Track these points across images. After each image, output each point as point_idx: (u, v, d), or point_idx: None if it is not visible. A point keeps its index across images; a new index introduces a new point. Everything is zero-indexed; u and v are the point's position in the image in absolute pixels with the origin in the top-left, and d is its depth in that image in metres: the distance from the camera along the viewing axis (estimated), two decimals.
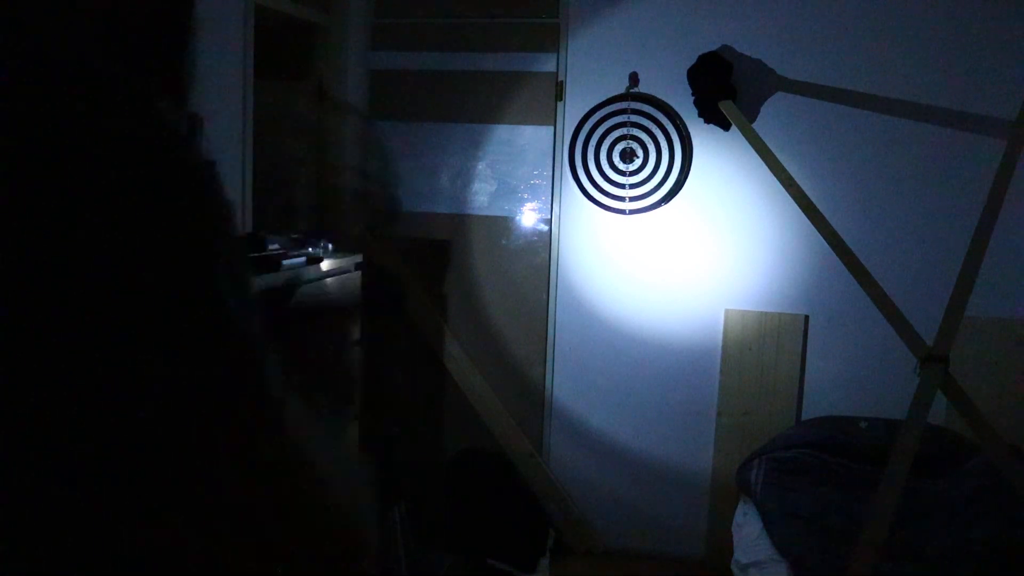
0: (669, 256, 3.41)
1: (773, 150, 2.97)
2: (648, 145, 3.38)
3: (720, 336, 3.39)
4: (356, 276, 2.90)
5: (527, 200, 3.50)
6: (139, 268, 0.39)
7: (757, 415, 3.36)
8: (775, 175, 2.91)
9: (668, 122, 3.36)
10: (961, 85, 3.15)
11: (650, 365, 3.46)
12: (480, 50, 3.47)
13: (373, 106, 3.57)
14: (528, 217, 3.51)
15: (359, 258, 2.94)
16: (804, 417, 3.34)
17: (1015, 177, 2.66)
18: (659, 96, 3.35)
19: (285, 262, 2.41)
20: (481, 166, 3.52)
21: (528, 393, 3.56)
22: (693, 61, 3.23)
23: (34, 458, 0.36)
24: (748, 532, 2.93)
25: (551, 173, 3.47)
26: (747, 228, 3.35)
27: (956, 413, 2.60)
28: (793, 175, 2.88)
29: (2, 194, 0.37)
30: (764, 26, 3.25)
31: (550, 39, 3.43)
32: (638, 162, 3.39)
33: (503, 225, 3.52)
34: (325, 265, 2.65)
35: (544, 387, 3.56)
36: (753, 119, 3.25)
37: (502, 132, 3.48)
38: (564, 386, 3.55)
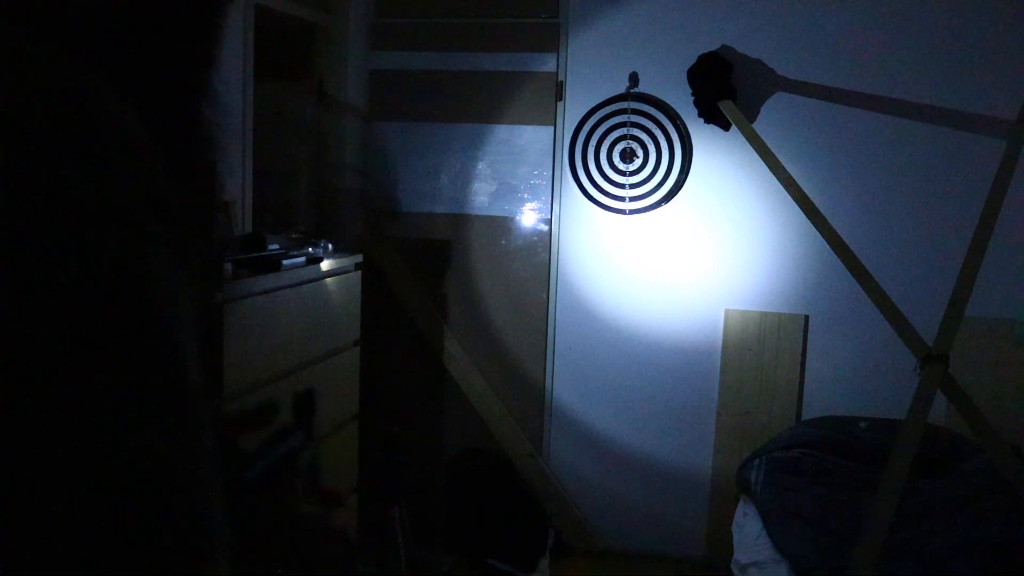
0: (669, 256, 3.41)
1: (773, 150, 2.97)
2: (648, 145, 3.38)
3: (720, 336, 3.39)
4: (356, 276, 2.90)
5: (527, 200, 3.50)
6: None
7: (757, 415, 3.36)
8: (775, 175, 2.91)
9: (668, 122, 3.36)
10: (961, 85, 3.15)
11: (650, 365, 3.46)
12: (480, 50, 3.47)
13: (373, 106, 3.57)
14: (528, 217, 3.51)
15: (359, 258, 2.94)
16: (804, 417, 3.34)
17: (1015, 177, 2.66)
18: (659, 96, 3.35)
19: (285, 262, 2.41)
20: (481, 166, 3.52)
21: (528, 393, 3.56)
22: (693, 61, 3.23)
23: None
24: (748, 532, 2.93)
25: (551, 173, 3.47)
26: (747, 228, 3.35)
27: (956, 413, 2.60)
28: (793, 175, 2.88)
29: None
30: (764, 26, 3.25)
31: (550, 39, 3.42)
32: (638, 162, 3.39)
33: (503, 225, 3.52)
34: (325, 265, 2.65)
35: (544, 387, 3.56)
36: (753, 119, 3.25)
37: (502, 132, 3.48)
38: (564, 386, 3.55)
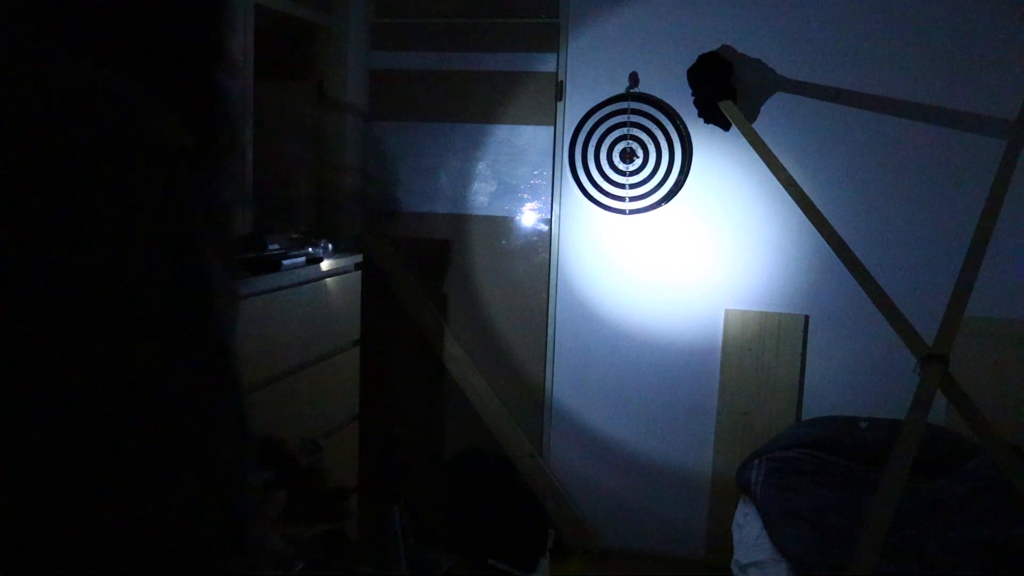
0: (669, 256, 3.41)
1: (773, 150, 2.97)
2: (648, 145, 3.38)
3: (720, 336, 3.39)
4: (356, 276, 2.90)
5: (527, 200, 3.50)
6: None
7: (757, 415, 3.36)
8: (775, 175, 2.91)
9: (668, 122, 3.36)
10: (961, 85, 3.15)
11: (650, 365, 3.46)
12: (480, 50, 3.47)
13: (373, 106, 3.57)
14: (528, 217, 3.51)
15: (359, 258, 2.94)
16: (804, 417, 3.34)
17: (1015, 177, 2.66)
18: (659, 96, 3.35)
19: (285, 262, 2.41)
20: (481, 166, 3.52)
21: (528, 393, 3.56)
22: (693, 61, 3.23)
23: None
24: (748, 532, 2.93)
25: (551, 173, 3.47)
26: (747, 228, 3.35)
27: (956, 413, 2.60)
28: (793, 175, 2.88)
29: None
30: (764, 26, 3.25)
31: (550, 39, 3.42)
32: (638, 162, 3.39)
33: (503, 225, 3.52)
34: (325, 265, 2.65)
35: (544, 387, 3.56)
36: (753, 119, 3.25)
37: (502, 132, 3.48)
38: (564, 386, 3.55)
